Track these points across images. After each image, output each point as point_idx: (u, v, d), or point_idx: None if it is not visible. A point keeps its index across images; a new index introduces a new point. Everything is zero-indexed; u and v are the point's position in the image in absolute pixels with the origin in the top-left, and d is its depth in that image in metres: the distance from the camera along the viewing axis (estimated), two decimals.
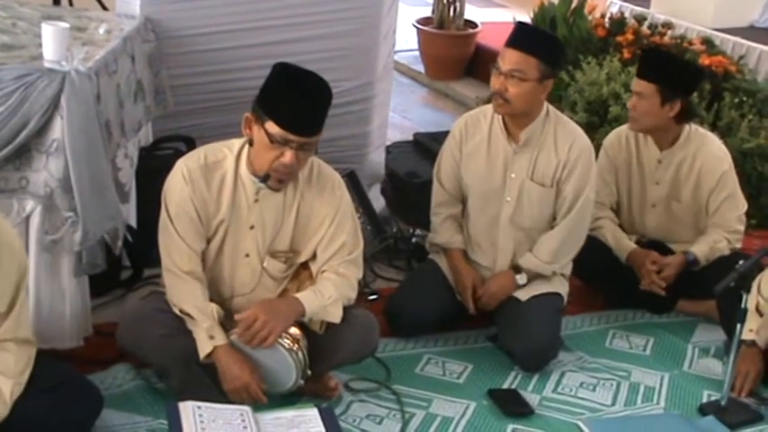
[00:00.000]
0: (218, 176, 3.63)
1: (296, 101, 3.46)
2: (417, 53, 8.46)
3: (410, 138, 6.09)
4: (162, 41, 4.58)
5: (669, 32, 6.60)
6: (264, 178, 3.57)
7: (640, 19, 6.75)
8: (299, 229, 3.71)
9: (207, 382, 3.62)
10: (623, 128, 4.85)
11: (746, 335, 4.01)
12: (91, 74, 3.67)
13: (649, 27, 6.64)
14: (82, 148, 3.59)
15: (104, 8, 5.82)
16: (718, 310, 4.42)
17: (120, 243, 3.97)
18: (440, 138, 5.43)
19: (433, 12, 8.33)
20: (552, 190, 4.22)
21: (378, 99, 5.11)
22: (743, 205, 4.73)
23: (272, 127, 3.45)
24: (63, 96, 3.55)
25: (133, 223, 4.39)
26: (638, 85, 4.56)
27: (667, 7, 7.25)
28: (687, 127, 4.64)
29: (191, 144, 4.66)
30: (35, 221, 3.65)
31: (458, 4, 8.16)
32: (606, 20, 6.96)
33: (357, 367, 3.92)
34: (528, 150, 4.20)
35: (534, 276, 4.27)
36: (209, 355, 3.54)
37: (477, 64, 8.21)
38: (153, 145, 4.65)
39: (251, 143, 3.57)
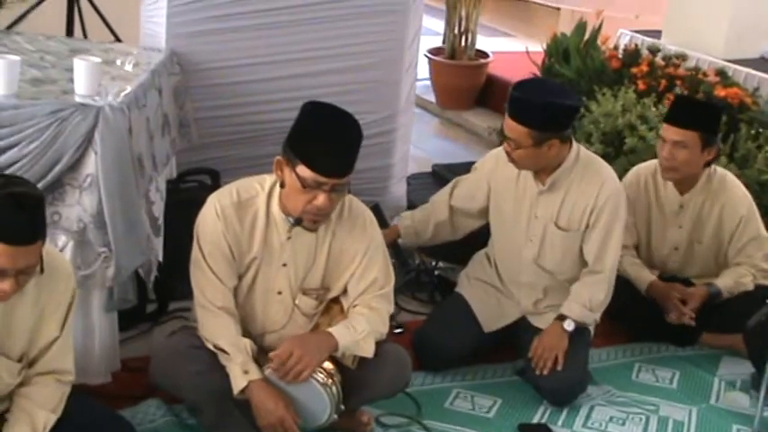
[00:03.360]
0: (250, 214, 3.61)
1: (327, 143, 3.42)
2: (428, 83, 8.47)
3: (427, 169, 6.09)
4: (187, 74, 4.59)
5: (683, 64, 6.60)
6: (298, 221, 3.56)
7: (654, 50, 6.76)
8: (331, 265, 3.70)
9: (240, 419, 3.60)
10: (641, 169, 4.86)
11: None
12: (124, 108, 3.67)
13: (664, 59, 6.65)
14: (115, 183, 3.59)
15: (118, 40, 5.82)
16: (745, 343, 4.41)
17: (152, 277, 3.97)
18: (457, 169, 5.46)
19: (443, 42, 8.35)
20: (577, 235, 4.19)
21: (400, 132, 5.13)
22: None
23: (303, 171, 3.41)
24: (97, 131, 3.56)
25: (159, 257, 4.38)
26: (675, 133, 4.49)
27: (678, 38, 7.26)
28: (707, 168, 4.65)
29: (215, 177, 4.67)
30: (67, 257, 3.64)
31: (469, 35, 8.17)
32: (620, 51, 6.97)
33: (386, 402, 3.90)
34: (554, 193, 4.18)
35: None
36: (243, 391, 3.52)
37: (488, 94, 8.24)
38: (178, 178, 4.65)
39: (282, 185, 3.54)
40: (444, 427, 3.93)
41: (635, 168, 4.86)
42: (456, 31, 8.20)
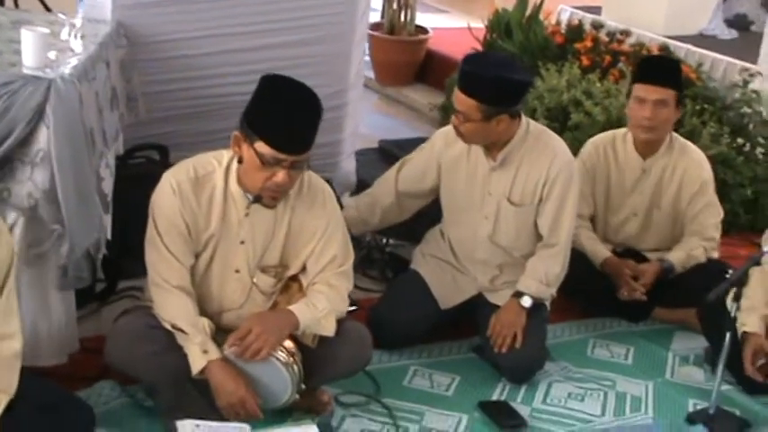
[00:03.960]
0: (207, 190, 3.52)
1: (287, 119, 3.34)
2: (367, 59, 8.37)
3: (370, 145, 6.02)
4: (134, 47, 4.46)
5: (627, 40, 6.61)
6: (257, 198, 3.48)
7: (597, 26, 6.76)
8: (290, 242, 3.63)
9: (199, 399, 3.52)
10: (598, 140, 4.84)
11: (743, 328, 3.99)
12: (75, 81, 3.55)
13: (607, 34, 6.65)
14: (68, 158, 3.47)
15: (48, 9, 5.69)
16: (699, 318, 4.42)
17: (100, 256, 3.85)
18: (404, 145, 5.41)
19: (382, 17, 8.27)
20: (531, 209, 4.16)
21: (350, 107, 5.06)
22: (720, 213, 4.76)
23: (262, 147, 3.33)
24: (48, 105, 3.43)
25: (108, 235, 4.26)
26: (656, 92, 4.47)
27: (619, 15, 7.27)
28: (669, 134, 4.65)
29: (164, 152, 4.56)
30: (17, 234, 3.50)
31: (408, 10, 8.10)
32: (562, 27, 6.96)
33: (345, 381, 3.83)
34: (506, 169, 4.14)
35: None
36: (201, 371, 3.44)
37: (428, 70, 8.19)
38: (126, 154, 4.52)
39: (240, 161, 3.45)
40: (403, 405, 3.88)
41: (592, 140, 4.85)
42: (395, 6, 8.12)
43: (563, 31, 6.89)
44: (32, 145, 3.45)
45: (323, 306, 3.56)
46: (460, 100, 3.98)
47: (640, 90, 4.53)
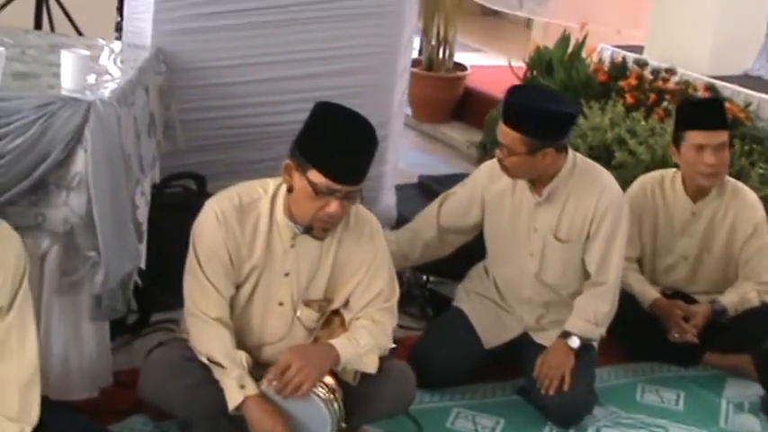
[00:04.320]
0: (252, 218, 3.39)
1: (342, 148, 3.21)
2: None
3: (411, 181, 5.90)
4: (173, 74, 4.36)
5: (672, 78, 6.46)
6: (307, 229, 3.35)
7: (642, 64, 6.62)
8: (335, 275, 3.49)
9: None
10: (646, 179, 4.70)
11: None
12: (114, 104, 3.44)
13: (652, 72, 6.51)
14: (106, 183, 3.36)
15: (79, 33, 5.63)
16: (755, 365, 4.26)
17: (131, 286, 3.73)
18: (444, 181, 5.28)
19: (420, 53, 8.16)
20: (578, 246, 4.02)
21: (392, 139, 4.94)
22: None
23: (316, 176, 3.19)
24: (87, 128, 3.33)
25: (142, 264, 4.14)
26: (717, 136, 4.35)
27: (662, 54, 7.10)
28: None
29: (201, 182, 4.44)
30: (51, 262, 3.40)
31: (447, 46, 7.99)
32: (606, 64, 6.83)
33: (385, 423, 3.69)
34: (552, 205, 4.00)
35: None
36: (238, 407, 3.29)
37: (466, 107, 8.07)
38: (162, 182, 4.41)
39: (290, 190, 3.32)
40: None
41: (639, 179, 4.70)
42: (433, 42, 8.02)
43: (606, 69, 6.74)
44: (69, 168, 3.35)
45: (365, 342, 3.41)
46: (505, 133, 3.85)
47: (698, 137, 4.37)
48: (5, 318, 2.79)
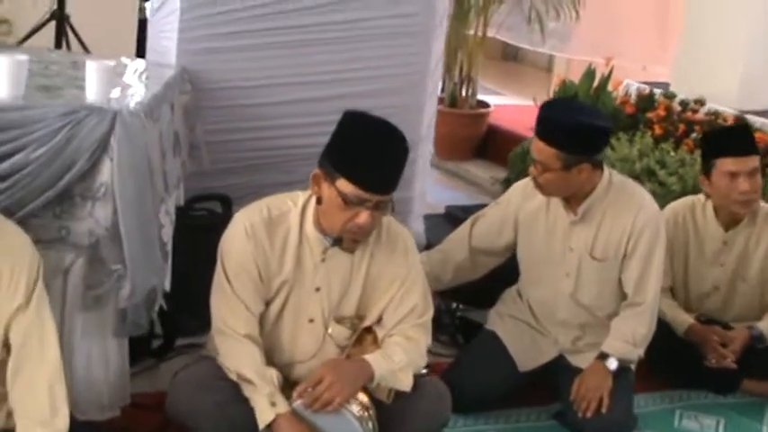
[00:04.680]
0: (281, 232, 3.29)
1: (372, 156, 3.12)
2: None
3: (437, 212, 5.80)
4: (198, 93, 4.28)
5: (701, 109, 6.39)
6: (337, 240, 3.25)
7: (669, 96, 6.54)
8: (368, 291, 3.38)
9: None
10: (677, 206, 4.60)
11: None
12: (141, 114, 3.35)
13: (680, 104, 6.43)
14: (132, 193, 3.26)
15: (86, 50, 5.77)
16: None
17: (157, 306, 3.63)
18: (472, 210, 5.14)
19: (442, 90, 8.09)
20: (615, 264, 3.91)
21: (420, 162, 4.85)
22: None
23: (345, 186, 3.10)
24: (113, 137, 3.23)
25: (167, 286, 4.03)
26: (749, 162, 4.25)
27: (689, 88, 7.02)
28: None
29: (227, 204, 4.35)
30: (74, 276, 3.29)
31: (470, 84, 7.93)
32: (632, 97, 6.75)
33: None
34: (588, 223, 3.90)
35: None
36: (269, 425, 3.17)
37: (489, 145, 7.99)
38: (186, 204, 4.31)
39: (319, 201, 3.23)
40: None
41: (670, 206, 4.58)
42: (456, 79, 7.95)
43: (633, 102, 6.66)
44: (95, 179, 3.25)
45: (399, 358, 3.30)
46: (539, 148, 3.76)
47: (730, 164, 4.26)
48: (24, 316, 2.75)
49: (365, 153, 3.12)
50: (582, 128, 3.71)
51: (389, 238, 3.39)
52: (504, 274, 4.28)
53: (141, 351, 3.99)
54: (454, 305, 4.81)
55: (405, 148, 3.21)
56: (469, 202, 7.03)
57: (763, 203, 4.50)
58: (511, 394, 4.01)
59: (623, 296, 3.95)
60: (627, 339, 3.87)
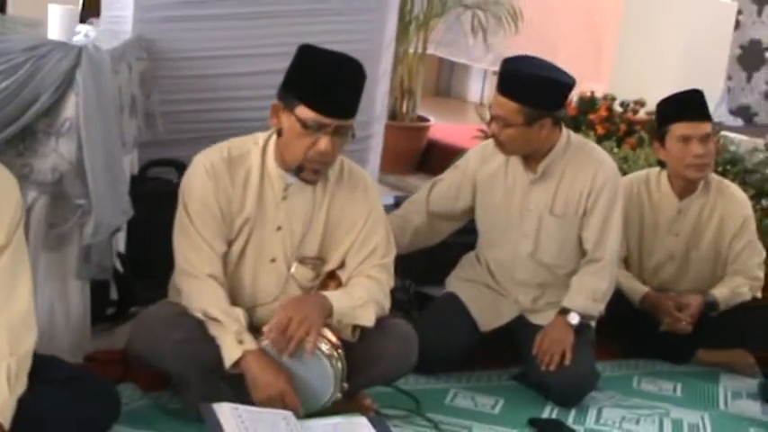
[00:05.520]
0: (243, 170, 3.29)
1: (329, 81, 3.16)
2: None
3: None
4: (155, 63, 4.22)
5: (641, 110, 6.50)
6: (297, 170, 3.23)
7: (610, 98, 6.64)
8: (329, 231, 3.37)
9: (231, 397, 3.16)
10: (632, 178, 4.65)
11: None
12: (107, 55, 3.32)
13: (621, 105, 6.54)
14: (98, 128, 3.24)
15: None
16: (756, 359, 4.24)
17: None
18: None
19: None
20: (575, 221, 3.93)
21: (374, 141, 4.84)
22: (762, 253, 4.54)
23: (304, 112, 3.13)
24: (78, 71, 3.21)
25: (122, 247, 3.98)
26: (703, 127, 4.32)
27: (623, 92, 7.16)
28: None
29: (182, 170, 4.28)
30: (37, 215, 3.24)
31: (411, 98, 7.97)
32: (574, 100, 6.84)
33: (382, 396, 3.53)
34: (547, 182, 3.92)
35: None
36: (236, 363, 3.12)
37: (430, 159, 7.99)
38: (141, 169, 4.25)
39: (279, 133, 3.24)
40: (449, 420, 3.56)
41: (625, 178, 4.60)
42: (397, 93, 7.98)
43: (575, 105, 6.75)
44: (59, 114, 3.23)
45: (359, 295, 3.29)
46: (500, 103, 3.78)
47: (684, 128, 4.32)
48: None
49: (322, 78, 3.16)
50: (545, 81, 3.74)
51: (350, 178, 3.40)
52: (452, 252, 4.29)
53: (96, 316, 3.90)
54: (405, 282, 4.77)
55: (362, 74, 3.24)
56: None
57: (714, 175, 4.57)
58: (473, 355, 3.98)
59: (583, 254, 3.97)
60: (587, 295, 3.89)
